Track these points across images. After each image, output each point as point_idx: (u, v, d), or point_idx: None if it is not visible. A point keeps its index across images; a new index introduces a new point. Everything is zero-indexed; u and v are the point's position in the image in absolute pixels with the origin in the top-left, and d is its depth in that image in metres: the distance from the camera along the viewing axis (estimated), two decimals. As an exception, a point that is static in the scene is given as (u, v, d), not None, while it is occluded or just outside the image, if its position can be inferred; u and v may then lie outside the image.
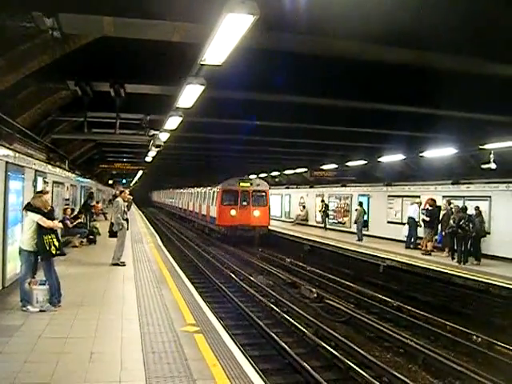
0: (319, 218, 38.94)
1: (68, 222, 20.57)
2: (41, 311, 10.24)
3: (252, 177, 42.45)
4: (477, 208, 20.25)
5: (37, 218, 10.37)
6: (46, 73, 10.27)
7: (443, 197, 23.84)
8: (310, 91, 12.39)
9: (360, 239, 28.37)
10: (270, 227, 37.80)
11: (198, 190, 47.74)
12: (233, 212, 36.67)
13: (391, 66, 10.30)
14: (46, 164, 17.35)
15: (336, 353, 12.43)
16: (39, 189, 14.54)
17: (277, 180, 51.48)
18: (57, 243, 10.49)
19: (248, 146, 25.30)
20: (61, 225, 11.03)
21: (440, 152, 21.07)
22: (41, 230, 10.36)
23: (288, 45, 8.62)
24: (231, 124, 18.06)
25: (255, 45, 8.27)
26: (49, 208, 10.77)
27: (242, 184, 37.42)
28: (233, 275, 23.15)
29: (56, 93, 13.37)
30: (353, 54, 9.21)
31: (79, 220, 22.11)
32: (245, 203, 36.94)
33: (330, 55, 9.60)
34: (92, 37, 8.85)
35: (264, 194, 38.03)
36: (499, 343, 13.27)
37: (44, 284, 10.50)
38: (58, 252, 10.61)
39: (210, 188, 41.79)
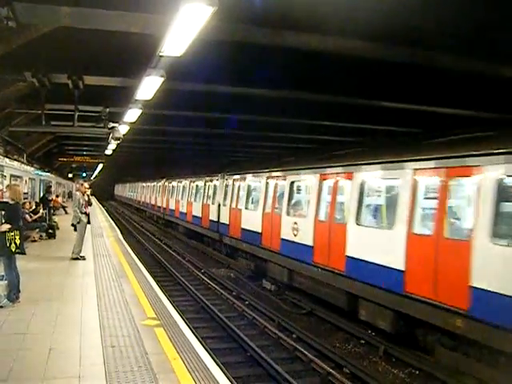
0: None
1: (27, 217, 20.27)
2: (-2, 307, 10.08)
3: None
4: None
5: None
6: (1, 64, 10.06)
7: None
8: (277, 84, 12.33)
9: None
10: None
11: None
12: None
13: (358, 60, 10.25)
14: (3, 157, 17.05)
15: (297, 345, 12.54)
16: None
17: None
18: (18, 241, 10.33)
19: (220, 140, 24.95)
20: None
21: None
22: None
23: (257, 38, 8.58)
24: (201, 117, 17.86)
25: (223, 37, 8.24)
26: None
27: None
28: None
29: (12, 84, 13.10)
30: (316, 47, 9.19)
31: (39, 215, 21.72)
32: None
33: (287, 47, 9.54)
34: (49, 27, 8.67)
35: None
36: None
37: (1, 279, 10.32)
38: (17, 250, 10.44)
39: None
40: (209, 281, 20.57)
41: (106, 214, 45.16)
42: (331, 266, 14.99)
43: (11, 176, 18.71)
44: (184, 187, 38.57)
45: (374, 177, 14.50)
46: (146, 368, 7.04)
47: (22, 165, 21.98)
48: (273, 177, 21.05)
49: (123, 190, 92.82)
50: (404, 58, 9.51)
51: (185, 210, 36.76)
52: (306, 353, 12.06)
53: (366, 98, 13.05)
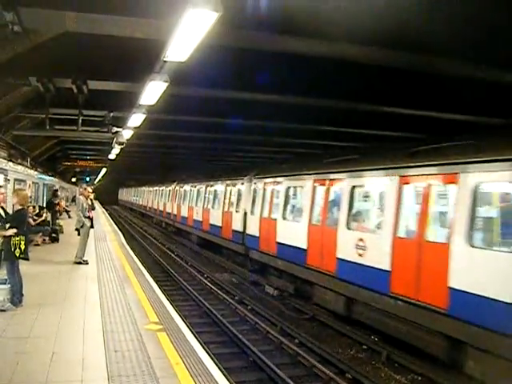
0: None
1: (31, 220, 20.30)
2: (1, 311, 10.04)
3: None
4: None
5: None
6: (7, 68, 10.08)
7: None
8: (280, 89, 12.31)
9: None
10: None
11: None
12: None
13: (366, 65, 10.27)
14: (7, 161, 17.09)
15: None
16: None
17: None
18: (23, 247, 10.32)
19: (224, 145, 24.88)
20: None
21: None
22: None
23: (260, 43, 8.60)
24: (205, 122, 17.80)
25: (227, 42, 8.28)
26: None
27: None
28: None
29: (17, 89, 13.15)
30: (320, 52, 9.19)
31: (42, 218, 21.76)
32: None
33: (291, 52, 9.55)
34: (54, 32, 8.69)
35: None
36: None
37: (4, 283, 10.31)
38: (21, 256, 10.42)
39: None
40: (211, 285, 20.55)
41: (110, 218, 45.10)
42: (423, 300, 11.38)
43: (15, 180, 18.71)
44: (199, 192, 34.41)
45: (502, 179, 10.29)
46: (149, 372, 7.04)
47: (26, 169, 21.99)
48: (324, 180, 16.89)
49: (128, 195, 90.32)
50: (407, 63, 9.53)
51: (200, 218, 32.59)
52: (308, 358, 12.05)
53: (370, 103, 13.05)
